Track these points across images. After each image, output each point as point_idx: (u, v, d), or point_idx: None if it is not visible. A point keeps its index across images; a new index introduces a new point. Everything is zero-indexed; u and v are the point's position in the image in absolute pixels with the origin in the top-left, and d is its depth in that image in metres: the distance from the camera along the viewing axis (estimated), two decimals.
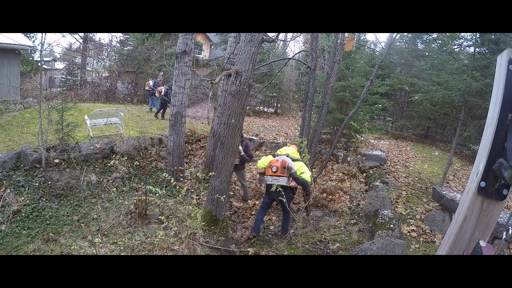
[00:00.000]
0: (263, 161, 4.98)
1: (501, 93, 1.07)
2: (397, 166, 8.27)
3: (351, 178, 7.56)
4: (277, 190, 4.33)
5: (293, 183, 4.73)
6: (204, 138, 8.93)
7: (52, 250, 4.04)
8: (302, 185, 4.72)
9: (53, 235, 4.48)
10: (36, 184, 5.44)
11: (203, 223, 4.60)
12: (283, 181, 4.50)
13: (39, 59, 13.36)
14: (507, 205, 6.32)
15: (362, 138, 9.95)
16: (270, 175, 4.64)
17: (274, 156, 4.90)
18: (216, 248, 4.38)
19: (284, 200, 4.38)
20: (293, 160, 4.78)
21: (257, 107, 16.52)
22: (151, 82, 11.30)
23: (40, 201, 5.22)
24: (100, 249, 3.74)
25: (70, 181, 5.72)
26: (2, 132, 7.18)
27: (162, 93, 10.13)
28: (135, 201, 4.82)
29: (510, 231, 1.00)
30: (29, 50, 13.12)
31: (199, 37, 19.23)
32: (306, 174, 4.75)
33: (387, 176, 7.28)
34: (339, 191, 6.71)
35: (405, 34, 12.96)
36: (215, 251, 4.32)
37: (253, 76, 4.75)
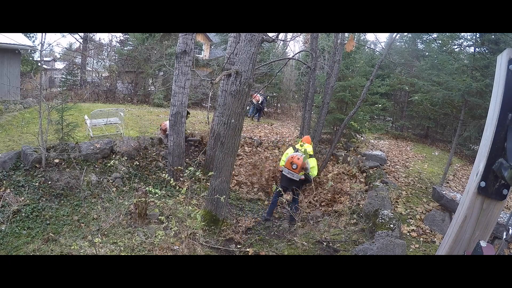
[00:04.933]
0: (284, 157, 5.48)
1: (501, 93, 1.07)
2: (397, 166, 8.27)
3: (351, 178, 7.56)
4: (293, 180, 5.19)
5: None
6: (204, 138, 8.92)
7: (52, 250, 4.03)
8: (307, 178, 5.31)
9: (53, 235, 4.48)
10: (36, 184, 5.43)
11: (203, 223, 4.60)
12: (297, 177, 5.16)
13: (39, 59, 13.36)
14: (507, 205, 6.32)
15: (362, 138, 9.95)
16: (288, 169, 5.20)
17: (294, 148, 5.46)
18: (216, 248, 4.38)
19: (295, 189, 5.23)
20: (309, 156, 5.32)
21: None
22: (259, 97, 12.85)
23: (40, 201, 5.22)
24: (100, 249, 3.74)
25: (70, 181, 5.72)
26: (2, 132, 7.18)
27: (259, 102, 12.45)
28: (135, 201, 4.82)
29: (510, 231, 1.00)
30: (29, 50, 13.10)
31: (199, 37, 19.21)
32: (314, 169, 5.35)
33: (387, 176, 7.28)
34: (339, 191, 6.72)
35: (405, 34, 12.96)
36: (215, 251, 4.31)
37: (253, 76, 4.75)
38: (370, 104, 10.05)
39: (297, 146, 5.52)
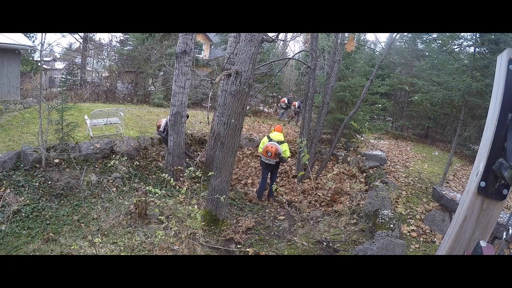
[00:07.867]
0: (261, 145, 6.52)
1: (501, 93, 1.07)
2: (397, 166, 8.27)
3: (351, 178, 7.56)
4: (271, 164, 6.37)
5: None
6: (204, 138, 8.93)
7: (52, 250, 4.03)
8: (282, 160, 6.42)
9: (53, 235, 4.47)
10: (36, 184, 5.43)
11: (203, 223, 4.59)
12: (273, 161, 6.32)
13: (39, 59, 13.36)
14: (507, 205, 6.31)
15: (362, 138, 9.96)
16: (265, 156, 6.31)
17: (268, 138, 6.41)
18: (216, 248, 4.38)
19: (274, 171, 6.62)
20: (281, 142, 6.30)
21: (257, 107, 16.51)
22: (285, 99, 14.67)
23: (40, 201, 5.22)
24: (100, 249, 3.74)
25: (70, 181, 5.72)
26: (2, 132, 7.18)
27: (297, 106, 13.67)
28: (135, 201, 4.81)
29: (510, 231, 1.00)
30: (29, 50, 13.10)
31: (199, 37, 19.21)
32: (286, 152, 6.39)
33: (387, 176, 7.28)
34: (339, 191, 6.72)
35: (405, 34, 12.96)
36: (215, 251, 4.31)
37: (253, 76, 4.75)
38: (370, 104, 10.05)
39: (270, 135, 6.48)
